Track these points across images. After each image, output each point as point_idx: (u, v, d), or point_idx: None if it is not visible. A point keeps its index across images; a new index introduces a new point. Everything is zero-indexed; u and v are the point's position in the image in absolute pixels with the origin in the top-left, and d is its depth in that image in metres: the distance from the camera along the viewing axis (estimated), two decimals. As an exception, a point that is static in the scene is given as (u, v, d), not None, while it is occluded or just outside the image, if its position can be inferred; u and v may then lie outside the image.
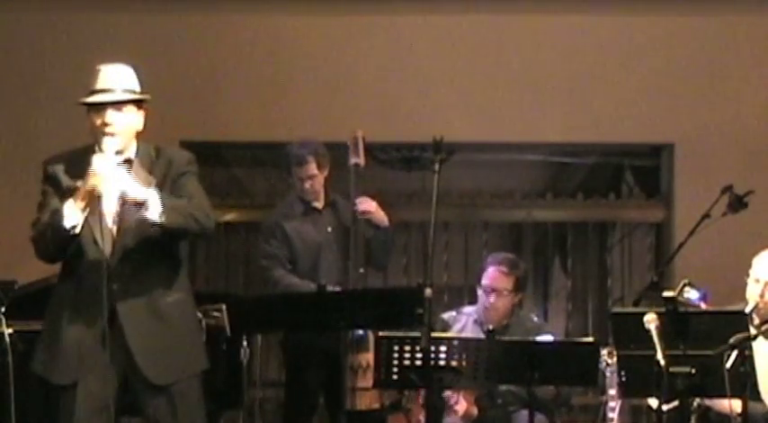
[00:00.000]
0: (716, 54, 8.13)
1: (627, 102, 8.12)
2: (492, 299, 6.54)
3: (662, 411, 5.36)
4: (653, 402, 5.71)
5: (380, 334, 5.83)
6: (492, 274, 6.56)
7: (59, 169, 4.90)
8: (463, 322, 6.66)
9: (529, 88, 8.10)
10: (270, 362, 7.69)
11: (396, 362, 5.72)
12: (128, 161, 4.88)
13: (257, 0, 8.09)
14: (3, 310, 5.70)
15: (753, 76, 8.12)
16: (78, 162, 4.83)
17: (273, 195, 7.75)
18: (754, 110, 8.09)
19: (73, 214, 4.73)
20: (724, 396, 5.39)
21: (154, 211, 4.71)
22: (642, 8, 8.09)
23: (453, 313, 6.75)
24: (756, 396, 5.63)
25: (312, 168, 6.55)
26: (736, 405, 5.45)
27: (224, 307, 5.78)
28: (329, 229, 6.59)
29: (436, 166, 5.34)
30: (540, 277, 8.74)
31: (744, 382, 5.33)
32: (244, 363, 6.25)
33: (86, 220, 4.77)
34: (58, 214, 4.75)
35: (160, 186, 4.83)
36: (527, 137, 8.19)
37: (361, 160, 6.52)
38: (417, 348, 5.61)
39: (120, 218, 4.83)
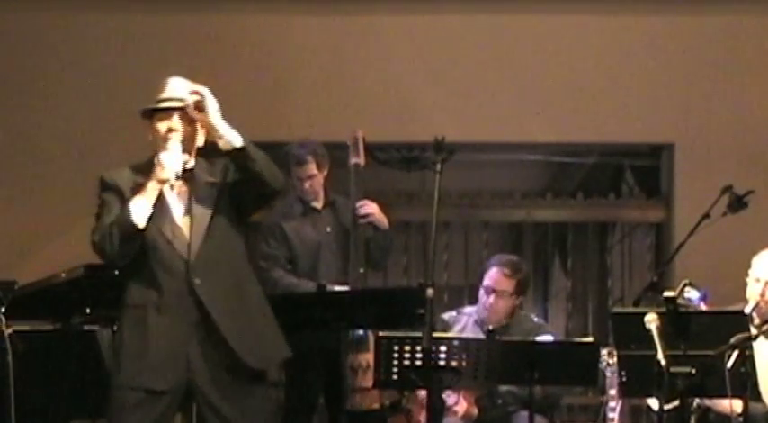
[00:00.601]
0: (716, 54, 8.12)
1: (627, 102, 8.12)
2: (491, 299, 6.56)
3: (663, 412, 5.36)
4: (653, 404, 5.71)
5: (380, 334, 5.83)
6: (494, 275, 6.58)
7: (120, 177, 4.94)
8: (463, 322, 6.66)
9: (529, 88, 8.10)
10: (270, 362, 7.68)
11: (396, 362, 5.72)
12: (189, 170, 4.94)
13: (257, 0, 8.10)
14: (3, 310, 5.70)
15: (753, 76, 8.12)
16: (138, 173, 4.90)
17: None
18: (753, 110, 8.09)
19: (140, 209, 4.78)
20: (724, 396, 5.39)
21: (235, 137, 4.87)
22: (642, 8, 8.09)
23: (454, 313, 6.76)
24: (757, 396, 5.63)
25: (311, 168, 6.54)
26: (736, 405, 5.44)
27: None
28: (328, 230, 6.59)
29: (438, 166, 5.33)
30: (540, 277, 8.75)
31: (744, 382, 5.33)
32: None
33: (156, 220, 4.83)
34: (125, 211, 4.78)
35: (222, 187, 4.94)
36: (527, 137, 8.19)
37: (361, 160, 6.51)
38: (417, 348, 5.61)
39: (190, 213, 4.89)
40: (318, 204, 6.62)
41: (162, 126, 4.92)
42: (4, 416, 5.56)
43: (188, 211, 4.89)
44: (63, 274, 5.86)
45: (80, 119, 7.99)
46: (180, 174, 4.86)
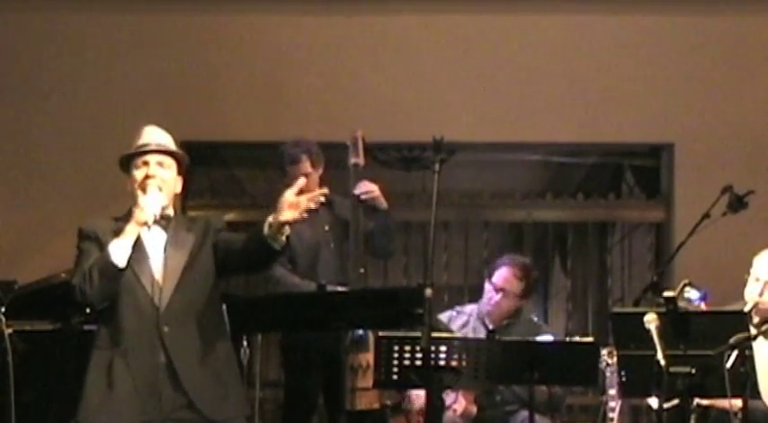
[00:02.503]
0: (716, 54, 8.12)
1: (627, 102, 8.12)
2: (498, 297, 6.61)
3: (663, 410, 5.36)
4: (653, 402, 5.71)
5: (380, 334, 5.83)
6: (505, 275, 6.64)
7: (99, 227, 4.94)
8: (465, 319, 6.71)
9: (529, 88, 8.10)
10: (270, 362, 7.69)
11: (396, 362, 5.72)
12: (167, 218, 4.96)
13: (257, 0, 8.10)
14: (3, 310, 5.70)
15: (753, 76, 8.12)
16: (118, 222, 4.89)
17: (273, 195, 7.73)
18: (754, 110, 8.09)
19: (120, 250, 4.77)
20: (724, 396, 5.39)
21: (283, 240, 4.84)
22: (642, 8, 8.09)
23: (453, 312, 6.78)
24: (756, 396, 5.63)
25: (306, 167, 6.53)
26: (735, 401, 5.44)
27: (224, 307, 5.77)
28: (326, 229, 6.58)
29: (436, 166, 5.33)
30: (540, 277, 8.73)
31: (744, 382, 5.33)
32: (244, 363, 6.25)
33: (134, 264, 4.83)
34: (104, 252, 4.78)
35: (200, 244, 4.94)
36: (527, 137, 8.19)
37: (361, 160, 6.51)
38: (417, 348, 5.62)
39: (166, 265, 4.89)
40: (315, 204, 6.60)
41: (139, 173, 4.94)
42: (4, 416, 5.56)
43: (163, 259, 4.90)
44: (63, 275, 5.85)
45: (80, 119, 7.99)
46: (158, 217, 4.85)
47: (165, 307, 4.85)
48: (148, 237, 4.88)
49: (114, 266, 4.76)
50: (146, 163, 4.95)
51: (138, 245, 4.83)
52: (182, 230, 4.97)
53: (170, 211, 4.99)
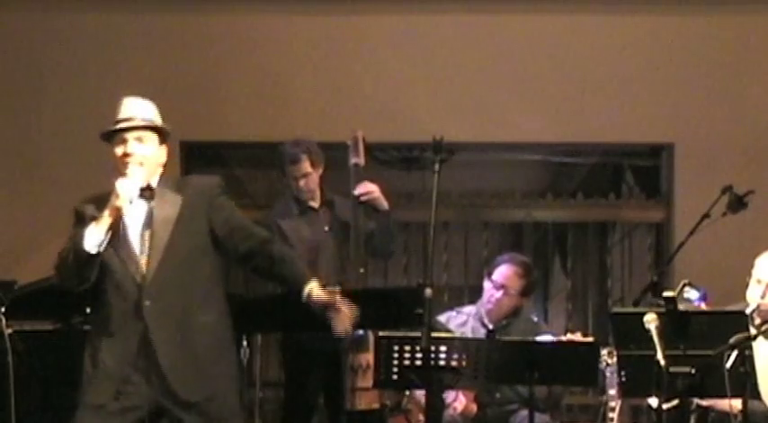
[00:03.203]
0: (716, 54, 8.13)
1: (627, 102, 8.12)
2: (499, 295, 6.61)
3: (662, 410, 5.36)
4: (653, 402, 5.71)
5: (380, 334, 5.83)
6: (505, 272, 6.65)
7: (88, 208, 4.92)
8: (464, 319, 6.71)
9: (529, 88, 8.10)
10: (270, 362, 7.69)
11: (396, 362, 5.72)
12: (149, 188, 4.91)
13: (258, 0, 8.10)
14: (3, 310, 5.70)
15: (753, 76, 8.12)
16: (106, 201, 4.85)
17: (273, 195, 7.74)
18: (754, 110, 8.09)
19: (94, 236, 4.75)
20: (724, 396, 5.38)
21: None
22: (642, 8, 8.09)
23: (452, 313, 6.78)
24: (756, 396, 5.63)
25: (306, 166, 6.53)
26: (735, 402, 5.44)
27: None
28: (326, 229, 6.58)
29: (436, 166, 5.33)
30: (541, 277, 8.74)
31: (743, 383, 5.33)
32: (244, 363, 6.25)
33: (113, 241, 4.81)
34: (79, 237, 4.77)
35: (191, 209, 4.90)
36: (527, 137, 8.19)
37: (361, 160, 6.51)
38: (417, 348, 5.62)
39: (149, 239, 4.86)
40: (315, 203, 6.61)
41: (118, 150, 4.91)
42: (4, 416, 5.57)
43: (145, 232, 4.87)
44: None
45: (80, 119, 7.99)
46: (134, 199, 4.81)
47: (149, 281, 4.83)
48: (130, 213, 4.83)
49: (85, 252, 4.74)
50: (124, 140, 4.91)
51: (117, 223, 4.80)
52: (167, 200, 4.91)
53: (154, 180, 4.92)
